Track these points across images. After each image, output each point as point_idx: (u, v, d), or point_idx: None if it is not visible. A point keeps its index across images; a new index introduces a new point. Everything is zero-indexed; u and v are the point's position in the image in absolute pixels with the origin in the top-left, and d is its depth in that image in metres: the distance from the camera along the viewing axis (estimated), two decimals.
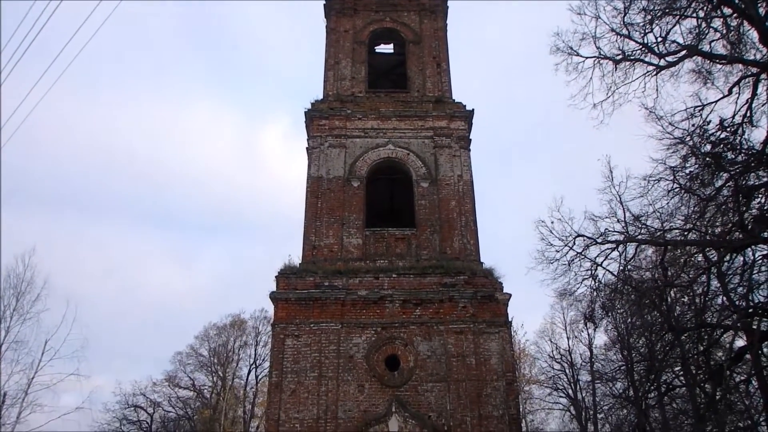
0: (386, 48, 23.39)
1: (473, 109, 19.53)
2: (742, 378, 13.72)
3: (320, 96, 20.05)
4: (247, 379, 41.62)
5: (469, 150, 19.05)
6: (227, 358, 41.43)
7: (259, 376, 40.86)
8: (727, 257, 12.17)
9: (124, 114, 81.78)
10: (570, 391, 35.56)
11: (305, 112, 19.45)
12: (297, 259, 17.25)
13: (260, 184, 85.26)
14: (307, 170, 18.64)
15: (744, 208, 11.63)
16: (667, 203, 12.73)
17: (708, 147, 12.01)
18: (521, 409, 30.91)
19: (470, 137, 19.38)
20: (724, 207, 11.88)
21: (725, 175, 11.81)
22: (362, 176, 18.45)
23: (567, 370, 35.74)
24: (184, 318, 66.40)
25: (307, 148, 19.19)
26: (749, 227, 11.32)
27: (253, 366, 41.35)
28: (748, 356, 13.13)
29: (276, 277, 16.61)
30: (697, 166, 12.02)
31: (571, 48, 14.40)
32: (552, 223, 14.20)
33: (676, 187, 12.34)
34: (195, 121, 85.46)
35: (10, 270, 21.13)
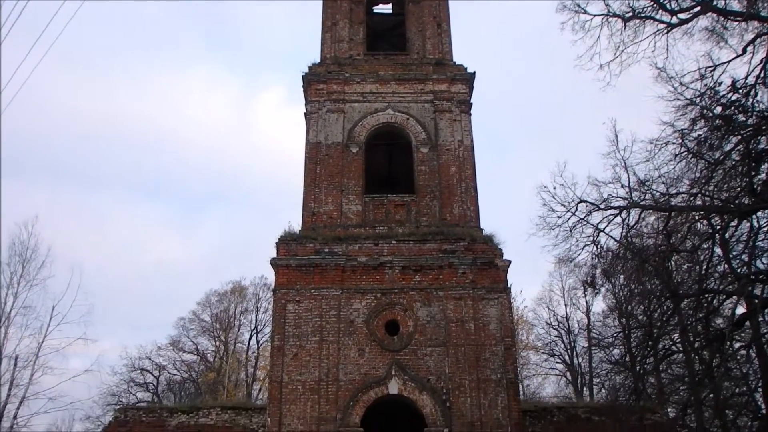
0: (385, 8, 22.57)
1: (474, 72, 18.94)
2: (741, 345, 13.46)
3: (318, 60, 19.42)
4: (248, 344, 41.91)
5: (470, 114, 18.55)
6: (229, 324, 41.62)
7: (260, 341, 41.09)
8: (733, 223, 11.80)
9: (120, 82, 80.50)
10: (566, 357, 35.72)
11: (303, 76, 18.91)
12: (297, 226, 17.10)
13: (260, 153, 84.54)
14: (306, 136, 18.25)
15: (753, 173, 11.19)
16: (674, 168, 12.29)
17: (718, 109, 11.50)
18: (519, 374, 31.04)
19: (471, 101, 18.83)
20: (732, 171, 11.44)
21: (735, 138, 11.35)
22: (361, 142, 18.02)
23: (564, 337, 35.82)
24: (185, 285, 66.56)
25: (305, 113, 18.71)
26: (758, 192, 10.90)
27: (255, 331, 41.60)
28: (747, 324, 12.90)
29: (276, 243, 16.48)
30: (706, 128, 11.53)
31: (579, 5, 13.78)
32: (554, 188, 13.75)
33: (683, 151, 11.87)
34: (192, 89, 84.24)
35: (14, 237, 21.20)
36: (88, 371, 21.84)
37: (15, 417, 19.37)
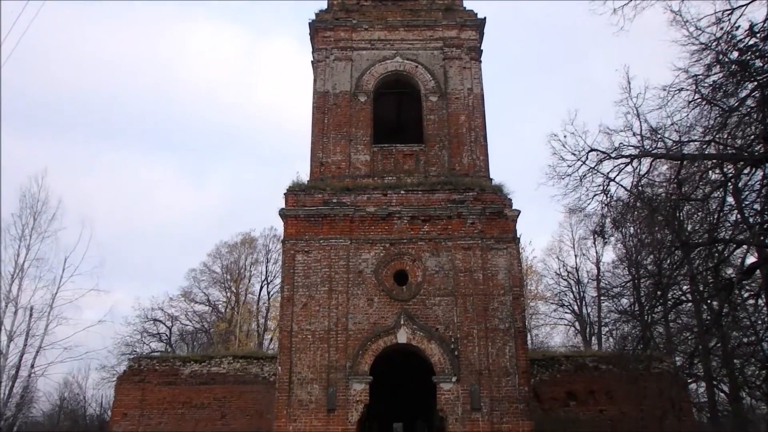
0: None
1: (485, 18, 18.53)
2: (750, 294, 13.53)
3: (325, 6, 19.06)
4: (259, 294, 42.68)
5: (480, 62, 18.24)
6: (239, 275, 42.28)
7: (271, 292, 41.84)
8: (746, 171, 11.71)
9: (129, 34, 79.46)
10: (575, 307, 36.16)
11: (309, 23, 18.62)
12: (305, 177, 17.15)
13: (272, 105, 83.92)
14: (313, 85, 18.09)
15: None
16: (687, 115, 12.11)
17: (735, 54, 11.20)
18: (527, 324, 31.51)
19: (481, 48, 18.49)
20: (747, 118, 11.26)
21: (751, 84, 11.11)
22: (369, 91, 17.87)
23: (573, 287, 36.18)
24: (196, 237, 67.51)
25: (312, 61, 18.49)
26: None
27: (265, 282, 42.33)
28: (758, 273, 12.94)
29: (284, 194, 16.57)
30: (721, 74, 11.29)
31: None
32: (565, 137, 13.63)
33: (697, 98, 11.66)
34: (198, 41, 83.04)
35: (25, 190, 21.38)
36: (102, 322, 22.46)
37: (32, 366, 19.98)
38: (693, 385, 21.45)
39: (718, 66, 11.39)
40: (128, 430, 20.19)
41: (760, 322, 12.93)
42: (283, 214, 16.23)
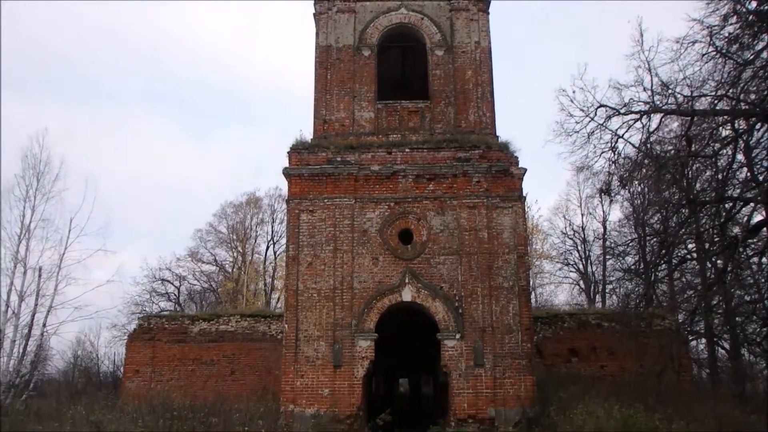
0: None
1: None
2: (755, 252, 13.48)
3: None
4: (265, 254, 42.96)
5: (488, 13, 17.74)
6: (245, 235, 42.50)
7: (277, 252, 42.07)
8: (758, 127, 11.48)
9: None
10: (581, 266, 36.29)
11: None
12: (309, 135, 17.00)
13: (275, 61, 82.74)
14: (315, 39, 17.73)
15: None
16: (700, 69, 11.80)
17: (753, 4, 10.87)
18: (531, 282, 31.72)
19: None
20: (762, 72, 10.96)
21: None
22: (373, 44, 17.49)
23: (579, 246, 36.23)
24: (201, 197, 67.50)
25: (314, 13, 18.03)
26: None
27: (271, 242, 42.53)
28: (764, 232, 12.86)
29: (288, 152, 16.48)
30: (738, 25, 10.96)
31: None
32: (573, 92, 13.34)
33: (711, 51, 11.34)
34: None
35: (26, 150, 21.31)
36: (111, 282, 22.59)
37: (44, 325, 20.34)
38: (694, 342, 21.74)
39: (735, 17, 11.05)
40: (141, 385, 20.78)
41: (763, 281, 12.89)
42: (286, 173, 16.17)
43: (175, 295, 40.08)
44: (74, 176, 42.30)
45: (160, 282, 39.63)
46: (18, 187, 20.76)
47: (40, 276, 20.02)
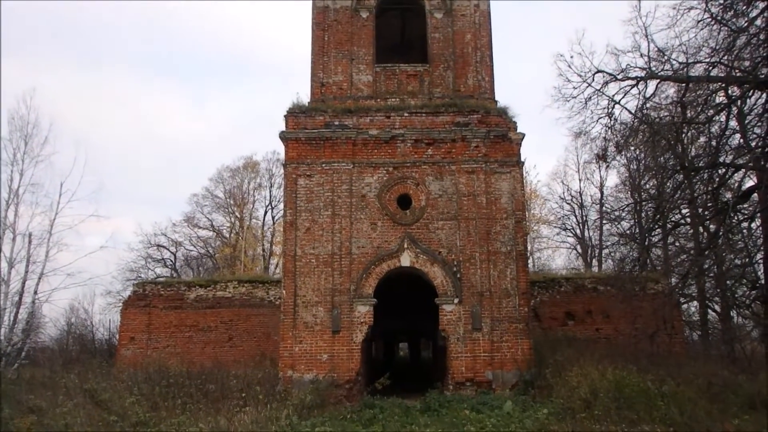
0: None
1: None
2: (746, 217, 14.07)
3: None
4: (264, 219, 43.47)
5: None
6: (243, 200, 42.91)
7: (275, 217, 42.60)
8: (750, 94, 11.93)
9: None
10: (578, 231, 37.16)
11: None
12: (306, 98, 17.16)
13: (274, 24, 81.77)
14: (312, 0, 17.76)
15: None
16: (695, 36, 12.23)
17: None
18: (529, 247, 32.42)
19: None
20: (755, 39, 11.37)
21: (762, 3, 11.15)
22: (371, 6, 17.63)
23: (576, 211, 37.01)
24: (198, 161, 67.72)
25: None
26: None
27: (269, 207, 43.05)
28: (754, 197, 13.40)
29: (285, 116, 16.65)
30: None
31: None
32: (571, 57, 13.77)
33: (706, 17, 11.76)
34: None
35: (13, 112, 21.05)
36: (104, 248, 22.57)
37: (35, 292, 20.28)
38: (686, 305, 22.56)
39: None
40: (137, 352, 21.33)
41: (752, 245, 13.49)
42: (283, 136, 16.42)
43: (171, 261, 40.72)
44: (64, 139, 42.47)
45: (155, 248, 40.23)
46: (5, 150, 20.46)
47: (30, 242, 19.99)
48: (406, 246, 15.76)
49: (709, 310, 20.47)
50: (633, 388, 11.47)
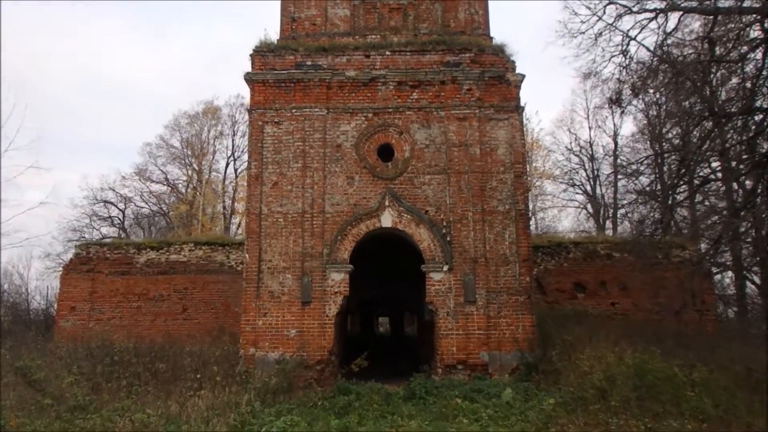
0: None
1: None
2: None
3: None
4: (225, 172, 43.28)
5: None
6: (202, 150, 42.63)
7: (238, 170, 42.45)
8: None
9: None
10: (588, 187, 37.12)
11: None
12: (275, 35, 17.06)
13: None
14: None
15: None
16: None
17: None
18: (531, 206, 32.48)
19: None
20: None
21: None
22: None
23: (586, 164, 36.89)
24: (151, 106, 66.64)
25: None
26: None
27: (231, 158, 42.81)
28: None
29: (251, 55, 16.59)
30: None
31: None
32: None
33: None
34: None
35: None
36: (44, 203, 22.60)
37: None
38: (719, 276, 22.57)
39: None
40: (77, 325, 21.31)
41: None
42: (249, 78, 16.30)
43: (119, 219, 40.55)
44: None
45: (102, 204, 40.05)
46: None
47: None
48: (387, 203, 15.70)
49: (747, 282, 20.48)
50: (657, 374, 11.26)
